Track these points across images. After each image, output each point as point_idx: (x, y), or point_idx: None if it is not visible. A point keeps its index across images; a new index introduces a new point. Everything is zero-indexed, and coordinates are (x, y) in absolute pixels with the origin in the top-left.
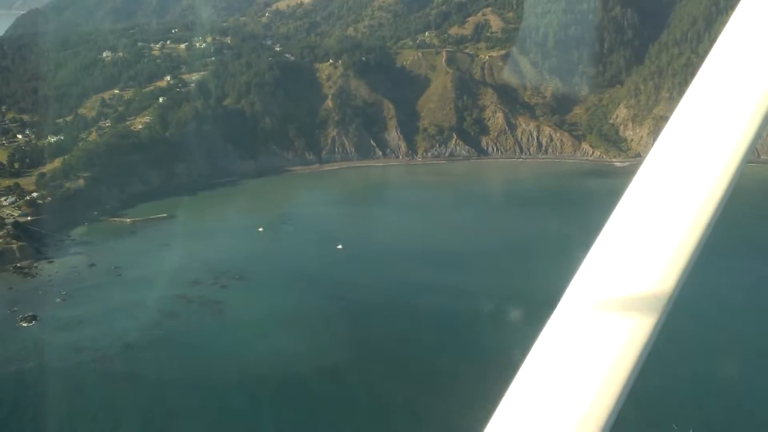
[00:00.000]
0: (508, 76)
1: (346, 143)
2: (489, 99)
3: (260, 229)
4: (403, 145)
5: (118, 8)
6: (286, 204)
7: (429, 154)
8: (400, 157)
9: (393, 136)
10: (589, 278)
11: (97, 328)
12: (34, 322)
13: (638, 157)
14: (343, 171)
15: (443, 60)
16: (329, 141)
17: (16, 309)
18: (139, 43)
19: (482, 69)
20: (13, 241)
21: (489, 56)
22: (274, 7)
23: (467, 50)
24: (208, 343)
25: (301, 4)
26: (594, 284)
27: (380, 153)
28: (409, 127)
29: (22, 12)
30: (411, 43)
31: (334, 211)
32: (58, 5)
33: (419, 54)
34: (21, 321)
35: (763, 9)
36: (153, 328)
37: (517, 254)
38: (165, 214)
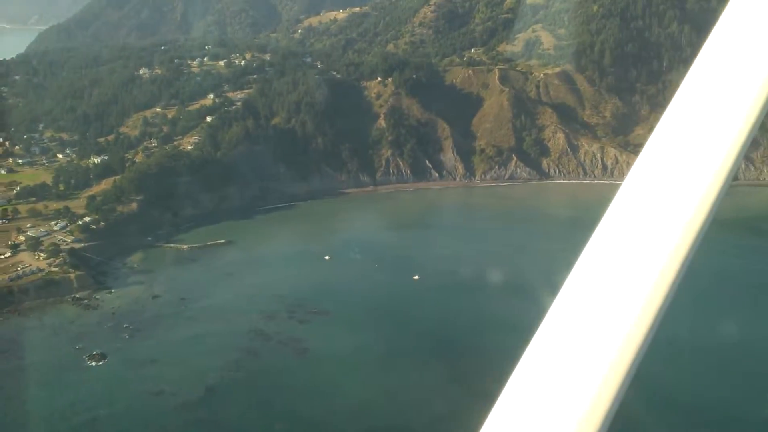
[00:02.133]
0: (564, 94)
1: (401, 164)
2: (548, 118)
3: (327, 257)
4: (460, 166)
5: (143, 24)
6: (348, 229)
7: (488, 176)
8: (458, 179)
9: (449, 157)
10: (584, 277)
11: (172, 369)
12: (103, 361)
13: None
14: (399, 194)
15: (496, 78)
16: (383, 162)
17: (81, 346)
18: (176, 60)
19: (537, 87)
20: (71, 269)
21: (544, 74)
22: (305, 23)
23: (519, 68)
24: (296, 387)
25: (335, 20)
26: (588, 283)
27: (436, 175)
28: (465, 148)
29: (40, 27)
30: (458, 60)
31: (399, 237)
32: (81, 21)
33: (470, 72)
34: (89, 360)
35: (753, 6)
36: (233, 369)
37: None
38: (223, 240)
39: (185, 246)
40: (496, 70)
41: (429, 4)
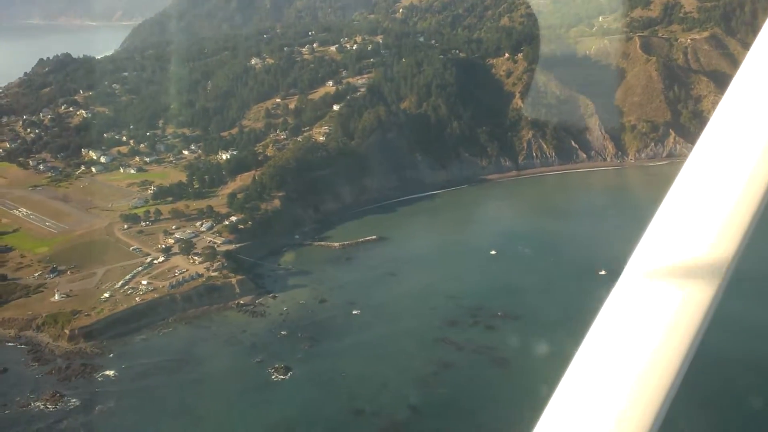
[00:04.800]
0: (717, 60)
1: (545, 146)
2: (704, 87)
3: (492, 252)
4: (610, 146)
5: (233, 14)
6: (503, 219)
7: (642, 155)
8: (608, 159)
9: (596, 136)
10: (650, 252)
11: (365, 385)
12: (288, 374)
13: None
14: (547, 178)
15: (637, 46)
16: (525, 145)
17: (261, 358)
18: (285, 48)
19: (685, 54)
20: (231, 274)
21: (690, 39)
22: (405, 2)
23: (660, 34)
24: (503, 403)
25: None
26: (654, 258)
27: (584, 156)
28: (613, 125)
29: (125, 23)
30: (588, 30)
31: (565, 226)
32: (172, 14)
33: (605, 41)
34: (274, 374)
35: None
36: (432, 385)
37: None
38: (374, 237)
39: (336, 244)
40: (636, 38)
41: None
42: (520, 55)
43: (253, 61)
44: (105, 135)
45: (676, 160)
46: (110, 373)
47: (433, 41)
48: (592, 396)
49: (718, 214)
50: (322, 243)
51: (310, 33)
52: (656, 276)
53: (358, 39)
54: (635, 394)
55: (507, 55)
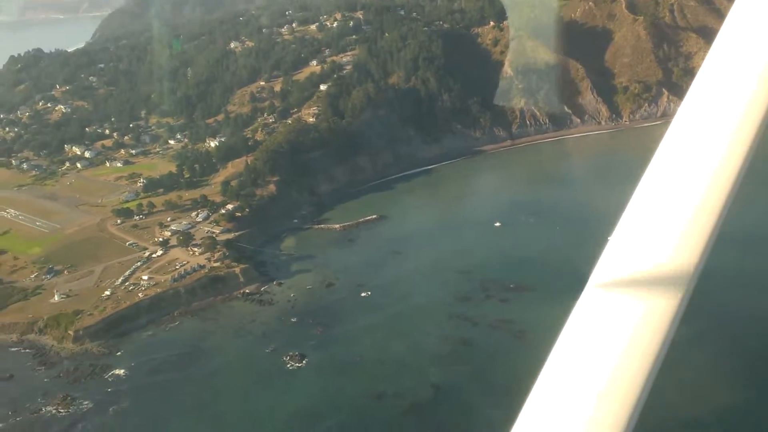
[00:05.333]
0: (704, 16)
1: (537, 113)
2: (693, 44)
3: (497, 224)
4: (603, 108)
5: (205, 0)
6: (502, 190)
7: (637, 115)
8: (602, 122)
9: (589, 99)
10: (613, 260)
11: (383, 367)
12: (303, 361)
13: None
14: (542, 145)
15: (623, 6)
16: (517, 113)
17: (274, 348)
18: (264, 30)
19: (671, 12)
20: (233, 263)
21: None
22: None
23: None
24: (532, 378)
25: None
26: (618, 266)
27: (578, 121)
28: (605, 88)
29: (93, 14)
30: None
31: (566, 194)
32: (141, 3)
33: (590, 4)
34: (289, 361)
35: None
36: (454, 363)
37: None
38: (374, 216)
39: (336, 226)
40: None
41: None
42: (505, 23)
43: (232, 45)
44: (87, 129)
45: (670, 119)
46: (120, 372)
47: (414, 14)
48: (562, 407)
49: (681, 219)
50: (322, 226)
51: (287, 13)
52: (620, 286)
53: (338, 16)
54: (604, 404)
55: (492, 23)
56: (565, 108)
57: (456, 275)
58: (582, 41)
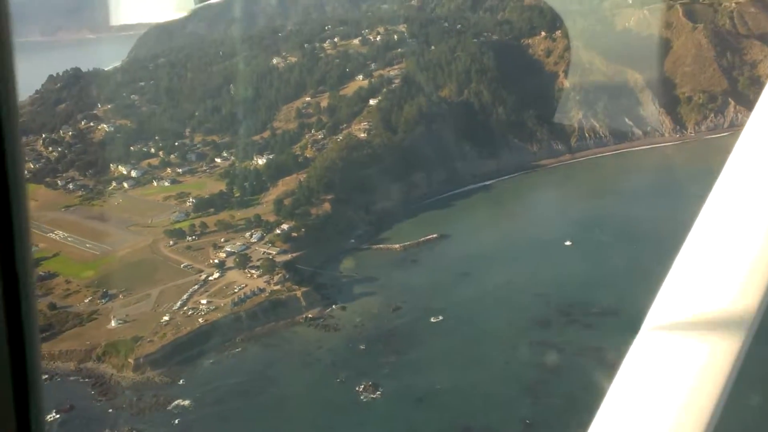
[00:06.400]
0: (766, 23)
1: (597, 126)
2: (758, 52)
3: (567, 243)
4: (666, 120)
5: (240, 17)
6: (569, 207)
7: (703, 127)
8: (666, 134)
9: (651, 110)
10: (673, 297)
11: (465, 398)
12: (377, 393)
13: None
14: (603, 159)
15: (680, 14)
16: (576, 126)
17: (344, 377)
18: (305, 45)
19: (731, 19)
20: (294, 286)
21: (735, 3)
22: None
23: (702, 1)
24: None
25: None
26: (678, 303)
27: (640, 133)
28: (667, 98)
29: (124, 34)
30: (624, 1)
31: (636, 210)
32: (176, 21)
33: (645, 12)
34: (362, 392)
35: None
36: (542, 395)
37: None
38: (435, 235)
39: (397, 246)
40: (679, 6)
41: None
42: (558, 33)
43: (274, 61)
44: (132, 148)
45: (738, 130)
46: (185, 402)
47: (459, 26)
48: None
49: (742, 261)
50: (381, 246)
51: (327, 28)
52: (678, 329)
53: (381, 30)
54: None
55: (543, 33)
56: (626, 120)
57: (531, 297)
58: (639, 50)
